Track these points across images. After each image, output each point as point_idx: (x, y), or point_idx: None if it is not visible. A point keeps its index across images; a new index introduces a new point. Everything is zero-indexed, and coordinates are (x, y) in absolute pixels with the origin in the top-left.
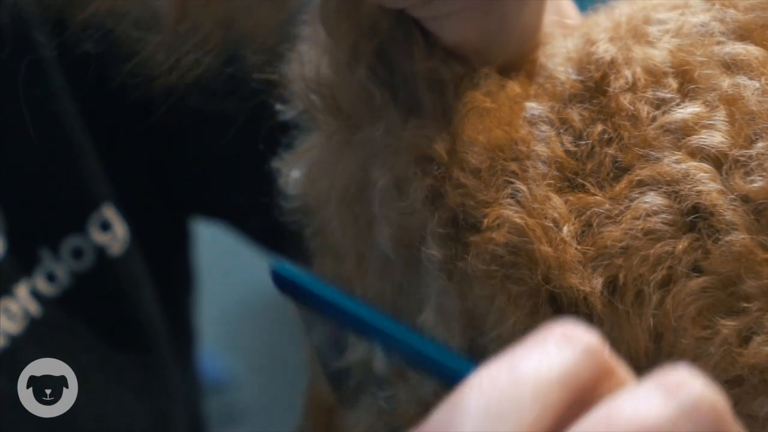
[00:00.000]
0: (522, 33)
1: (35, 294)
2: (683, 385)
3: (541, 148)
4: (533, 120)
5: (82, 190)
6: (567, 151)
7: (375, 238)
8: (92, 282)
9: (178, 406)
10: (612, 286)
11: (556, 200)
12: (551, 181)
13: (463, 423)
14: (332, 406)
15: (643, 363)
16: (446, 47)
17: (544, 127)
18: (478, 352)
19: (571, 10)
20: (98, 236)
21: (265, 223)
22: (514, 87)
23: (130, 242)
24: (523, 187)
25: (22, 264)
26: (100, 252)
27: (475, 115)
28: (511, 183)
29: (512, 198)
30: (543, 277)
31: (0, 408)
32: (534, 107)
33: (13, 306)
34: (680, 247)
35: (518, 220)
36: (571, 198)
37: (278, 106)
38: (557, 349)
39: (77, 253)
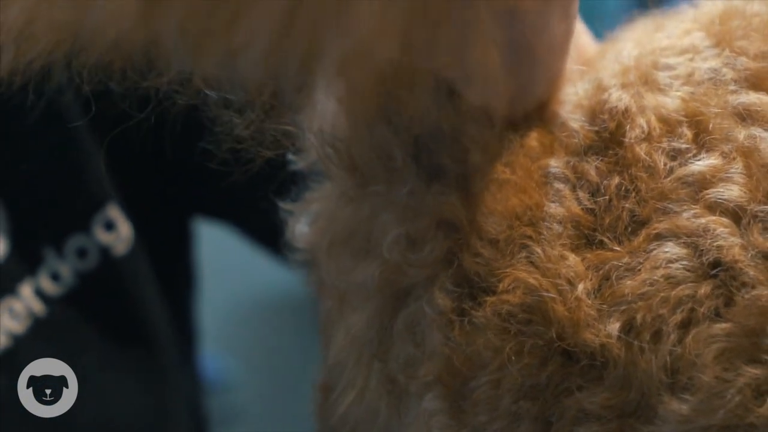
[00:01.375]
0: (547, 88)
1: (39, 293)
2: None
3: (555, 209)
4: (549, 178)
5: (86, 189)
6: (584, 208)
7: (360, 273)
8: (97, 281)
9: (180, 403)
10: (629, 327)
11: (572, 259)
12: (566, 241)
13: None
14: None
15: (655, 400)
16: (472, 107)
17: (560, 185)
18: (465, 395)
19: (586, 42)
20: (103, 236)
21: (267, 226)
22: (531, 142)
23: (134, 242)
24: (538, 249)
25: (27, 263)
26: (105, 252)
27: (494, 185)
28: (526, 246)
29: (527, 260)
30: (557, 334)
31: (0, 408)
32: (550, 165)
33: (17, 305)
34: (702, 291)
35: (532, 281)
36: (588, 255)
37: (290, 157)
38: None
39: (82, 253)
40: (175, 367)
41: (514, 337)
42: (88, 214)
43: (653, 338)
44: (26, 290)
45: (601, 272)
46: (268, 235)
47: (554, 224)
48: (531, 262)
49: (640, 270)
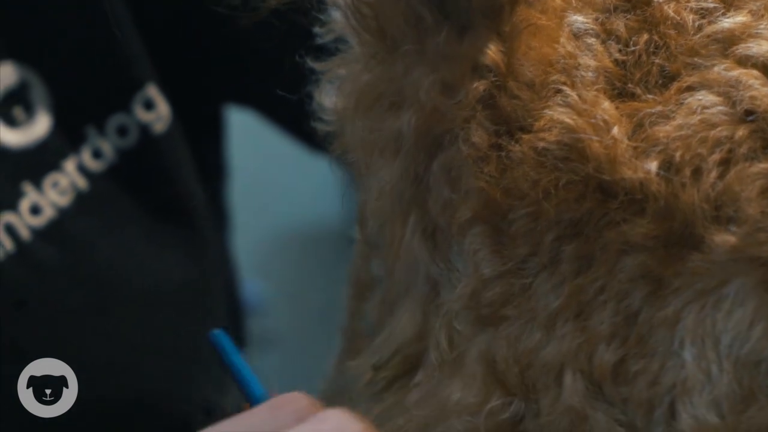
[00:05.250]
0: None
1: (82, 169)
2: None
3: (588, 60)
4: (579, 33)
5: (126, 69)
6: (615, 60)
7: (394, 125)
8: (136, 158)
9: (218, 280)
10: (667, 165)
11: (606, 104)
12: (600, 86)
13: None
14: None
15: (699, 230)
16: None
17: (591, 40)
18: (504, 230)
19: None
20: (142, 114)
21: (297, 116)
22: (556, 1)
23: (172, 121)
24: (573, 93)
25: (70, 140)
26: (144, 130)
27: (529, 32)
28: (561, 91)
29: (563, 102)
30: (594, 170)
31: (49, 275)
32: (579, 20)
33: (62, 180)
34: (740, 134)
35: (568, 121)
36: (621, 105)
37: (316, 30)
38: None
39: (122, 131)
40: (212, 246)
41: (550, 172)
42: (129, 93)
43: (693, 175)
44: (70, 166)
45: (634, 119)
46: (299, 122)
47: (587, 73)
48: (566, 104)
49: (674, 117)
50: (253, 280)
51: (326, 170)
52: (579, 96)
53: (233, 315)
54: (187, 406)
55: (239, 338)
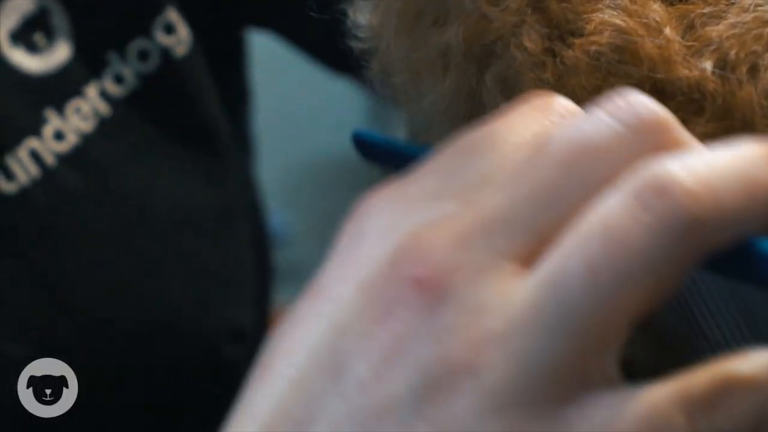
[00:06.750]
0: None
1: (104, 95)
2: (626, 104)
3: None
4: None
5: None
6: None
7: (441, 38)
8: (158, 83)
9: (242, 205)
10: (722, 63)
11: (656, 5)
12: None
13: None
14: None
15: (760, 128)
16: None
17: None
18: None
19: None
20: (163, 38)
21: (322, 39)
22: None
23: (193, 44)
24: None
25: (91, 66)
26: (165, 53)
27: None
28: None
29: (612, 4)
30: (649, 70)
31: (73, 201)
32: None
33: (84, 106)
34: None
35: (619, 22)
36: (669, 9)
37: None
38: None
39: (143, 55)
40: (236, 171)
41: (605, 77)
42: (149, 17)
43: (750, 72)
44: (92, 92)
45: (684, 21)
46: (324, 45)
47: None
48: (616, 6)
49: (726, 16)
50: (280, 211)
51: (354, 98)
52: None
53: (260, 245)
54: (213, 329)
55: (267, 268)
